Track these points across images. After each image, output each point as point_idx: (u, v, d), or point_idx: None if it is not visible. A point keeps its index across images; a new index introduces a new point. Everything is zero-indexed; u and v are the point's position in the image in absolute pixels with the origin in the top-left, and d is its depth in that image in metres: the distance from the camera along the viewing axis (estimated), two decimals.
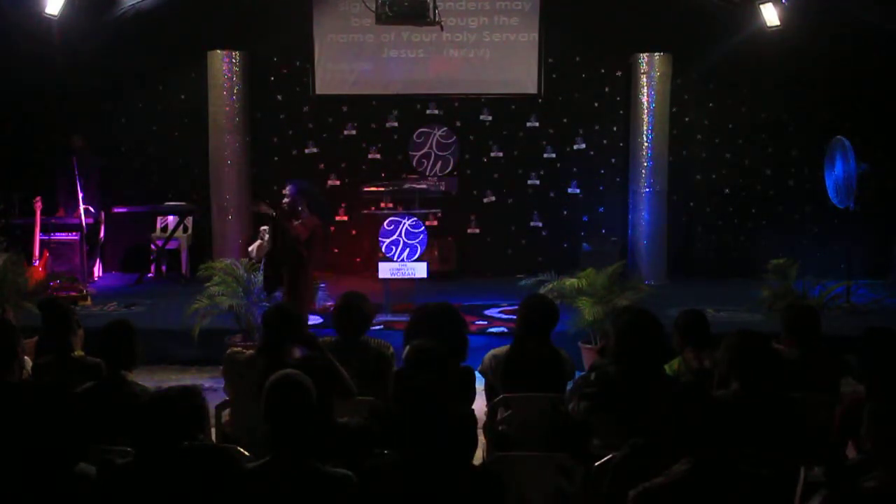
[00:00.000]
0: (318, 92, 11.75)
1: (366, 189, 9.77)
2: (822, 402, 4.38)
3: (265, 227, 7.16)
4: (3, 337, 4.43)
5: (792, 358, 4.69)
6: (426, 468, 3.10)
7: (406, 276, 9.08)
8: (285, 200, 7.36)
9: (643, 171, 11.23)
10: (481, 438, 4.53)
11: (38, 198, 10.34)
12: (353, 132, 11.85)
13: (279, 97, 11.88)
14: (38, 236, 10.25)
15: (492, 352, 4.97)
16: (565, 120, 11.81)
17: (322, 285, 8.72)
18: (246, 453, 3.71)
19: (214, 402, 4.93)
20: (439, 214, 10.48)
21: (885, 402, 3.17)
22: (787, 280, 7.71)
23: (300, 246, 7.23)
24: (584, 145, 11.80)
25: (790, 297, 7.48)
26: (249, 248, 8.26)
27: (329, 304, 7.98)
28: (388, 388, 4.76)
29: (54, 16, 9.24)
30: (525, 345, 4.84)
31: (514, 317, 5.26)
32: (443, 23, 9.82)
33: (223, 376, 5.14)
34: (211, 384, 7.04)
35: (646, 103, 11.17)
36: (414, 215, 9.31)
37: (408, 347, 4.43)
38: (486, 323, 8.96)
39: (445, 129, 11.57)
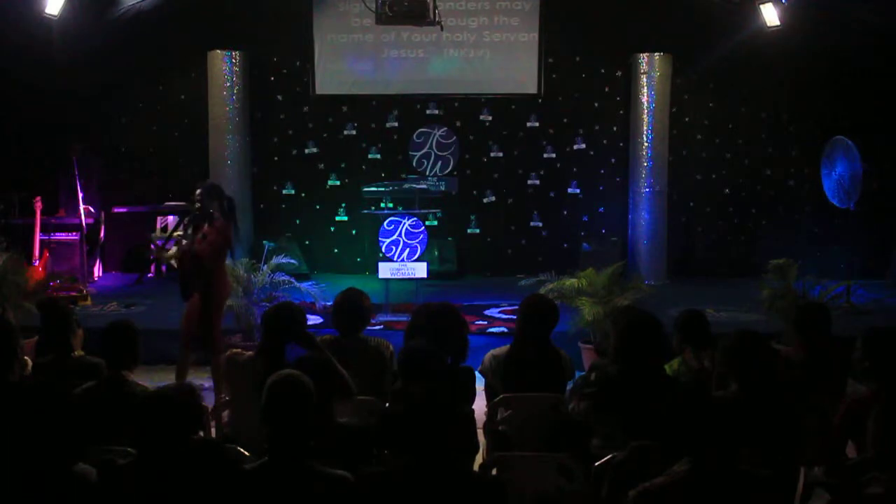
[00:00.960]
0: (318, 92, 11.75)
1: (366, 189, 9.78)
2: (827, 403, 4.35)
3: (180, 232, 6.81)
4: (3, 337, 4.42)
5: (800, 359, 4.67)
6: (425, 472, 3.09)
7: (406, 276, 9.08)
8: (197, 204, 6.97)
9: (643, 171, 11.23)
10: (481, 438, 4.54)
11: (38, 198, 10.32)
12: (353, 132, 11.85)
13: (279, 97, 11.88)
14: (38, 236, 10.23)
15: (492, 352, 4.96)
16: (565, 120, 11.81)
17: (322, 285, 8.71)
18: (246, 453, 3.71)
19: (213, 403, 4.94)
20: (439, 214, 10.48)
21: (893, 404, 3.15)
22: (787, 280, 7.70)
23: (207, 258, 6.67)
24: (584, 145, 11.80)
25: (790, 297, 7.48)
26: (169, 252, 8.01)
27: (328, 303, 7.96)
28: (387, 387, 4.76)
29: (54, 16, 9.24)
30: (525, 345, 4.84)
31: (514, 317, 5.24)
32: (443, 23, 9.78)
33: (224, 377, 5.14)
34: (210, 384, 7.03)
35: (646, 103, 11.17)
36: (414, 215, 9.31)
37: (400, 350, 4.42)
38: (486, 323, 8.95)
39: (445, 129, 11.57)
